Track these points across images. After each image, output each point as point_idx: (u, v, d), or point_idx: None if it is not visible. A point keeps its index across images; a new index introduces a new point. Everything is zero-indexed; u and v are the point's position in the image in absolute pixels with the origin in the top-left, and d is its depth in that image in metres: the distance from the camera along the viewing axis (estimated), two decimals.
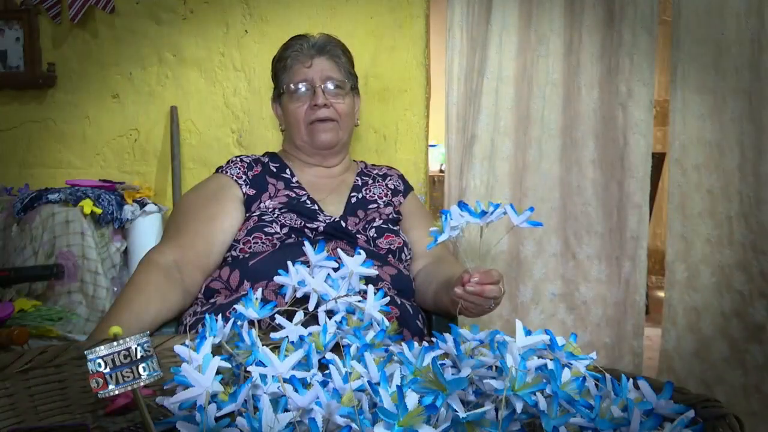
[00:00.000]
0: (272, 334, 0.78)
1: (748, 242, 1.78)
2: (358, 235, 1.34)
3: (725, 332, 1.81)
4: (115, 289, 1.90)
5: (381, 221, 1.38)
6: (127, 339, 0.59)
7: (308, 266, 0.91)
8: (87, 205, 1.88)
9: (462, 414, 0.57)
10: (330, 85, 1.43)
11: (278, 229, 1.28)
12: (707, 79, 1.79)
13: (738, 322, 1.80)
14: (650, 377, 0.67)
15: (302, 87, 1.42)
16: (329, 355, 0.72)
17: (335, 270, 0.90)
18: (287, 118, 1.46)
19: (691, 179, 1.82)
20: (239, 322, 0.77)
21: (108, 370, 0.57)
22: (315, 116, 1.41)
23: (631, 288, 1.88)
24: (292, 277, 0.87)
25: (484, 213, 0.84)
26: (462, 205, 0.86)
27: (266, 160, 1.46)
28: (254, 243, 1.26)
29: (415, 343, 0.73)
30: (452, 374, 0.66)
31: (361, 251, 0.90)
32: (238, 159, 1.43)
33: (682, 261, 1.85)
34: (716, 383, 1.82)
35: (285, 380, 0.64)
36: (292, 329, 0.78)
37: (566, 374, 0.64)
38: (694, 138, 1.82)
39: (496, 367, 0.67)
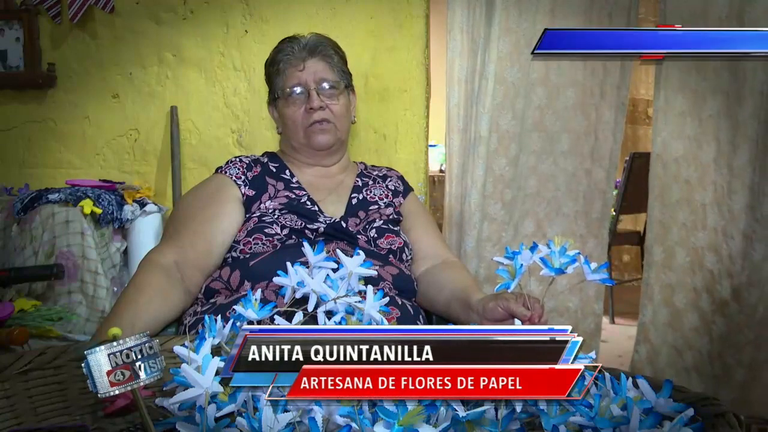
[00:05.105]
0: None
1: (720, 227, 1.96)
2: (359, 236, 1.34)
3: (695, 305, 2.03)
4: (115, 289, 1.90)
5: (381, 222, 1.38)
6: (127, 339, 0.59)
7: (308, 267, 0.91)
8: (87, 205, 1.88)
9: (462, 413, 0.57)
10: (324, 86, 1.41)
11: (278, 230, 1.28)
12: (689, 79, 1.95)
13: (707, 297, 2.01)
14: (649, 377, 0.67)
15: (296, 90, 1.41)
16: None
17: (334, 271, 0.90)
18: (284, 122, 1.45)
19: (670, 170, 2.00)
20: (239, 323, 0.77)
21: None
22: (311, 119, 1.40)
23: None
24: (292, 278, 0.87)
25: (561, 271, 0.86)
26: (533, 249, 0.87)
27: (265, 160, 1.46)
28: (254, 244, 1.26)
29: None
30: None
31: (360, 251, 0.90)
32: (238, 159, 1.43)
33: (659, 244, 2.05)
34: (686, 350, 2.07)
35: None
36: None
37: None
38: (674, 133, 1.97)
39: None
